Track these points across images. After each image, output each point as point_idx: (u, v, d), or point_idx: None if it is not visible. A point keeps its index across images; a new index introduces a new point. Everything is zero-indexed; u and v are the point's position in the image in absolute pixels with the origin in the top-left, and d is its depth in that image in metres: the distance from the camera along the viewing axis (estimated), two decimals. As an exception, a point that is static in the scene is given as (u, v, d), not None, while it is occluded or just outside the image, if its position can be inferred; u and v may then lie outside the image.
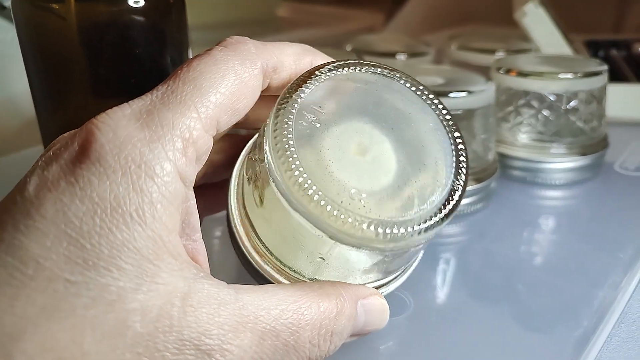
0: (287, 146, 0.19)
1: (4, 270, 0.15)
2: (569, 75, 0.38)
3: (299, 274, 0.22)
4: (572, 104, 0.39)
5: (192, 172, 0.18)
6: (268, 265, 0.22)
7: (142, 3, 0.26)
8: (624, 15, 0.86)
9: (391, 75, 0.22)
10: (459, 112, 0.35)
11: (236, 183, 0.23)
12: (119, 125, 0.17)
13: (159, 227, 0.16)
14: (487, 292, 0.29)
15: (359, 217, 0.18)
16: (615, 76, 0.50)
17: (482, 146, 0.36)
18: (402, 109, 0.22)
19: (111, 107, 0.21)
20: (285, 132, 0.19)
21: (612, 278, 0.29)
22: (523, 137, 0.40)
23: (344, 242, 0.19)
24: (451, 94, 0.34)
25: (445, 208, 0.20)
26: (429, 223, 0.19)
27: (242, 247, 0.22)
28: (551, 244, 0.33)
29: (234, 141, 0.26)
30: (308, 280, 0.22)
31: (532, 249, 0.33)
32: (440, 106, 0.22)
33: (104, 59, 0.27)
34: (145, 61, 0.28)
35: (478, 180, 0.36)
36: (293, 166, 0.18)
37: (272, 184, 0.19)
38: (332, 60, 0.22)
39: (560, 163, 0.39)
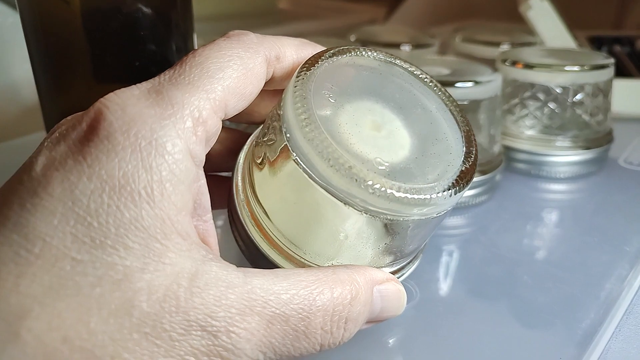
0: (311, 116, 0.19)
1: (10, 248, 0.15)
2: (576, 68, 0.38)
3: (316, 257, 0.21)
4: (578, 97, 0.38)
5: (202, 152, 0.18)
6: (279, 252, 0.21)
7: (147, -13, 0.26)
8: (625, 12, 0.86)
9: (392, 61, 0.23)
10: (465, 103, 0.34)
11: (242, 171, 0.23)
12: (127, 103, 0.17)
13: (168, 206, 0.16)
14: (492, 283, 0.29)
15: (387, 183, 0.18)
16: (619, 72, 0.50)
17: (488, 138, 0.36)
18: (406, 90, 0.22)
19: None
20: (306, 104, 0.19)
21: (618, 271, 0.29)
22: (528, 129, 0.40)
23: (372, 210, 0.19)
24: (457, 84, 0.34)
25: (463, 174, 0.20)
26: (451, 188, 0.20)
27: (249, 234, 0.22)
28: (556, 237, 0.33)
29: (233, 134, 0.26)
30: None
31: (536, 241, 0.33)
32: (441, 88, 0.23)
33: (107, 44, 0.27)
34: (149, 47, 0.28)
35: (483, 173, 0.35)
36: (319, 136, 0.18)
37: (295, 158, 0.19)
38: (334, 46, 0.22)
39: (565, 156, 0.39)
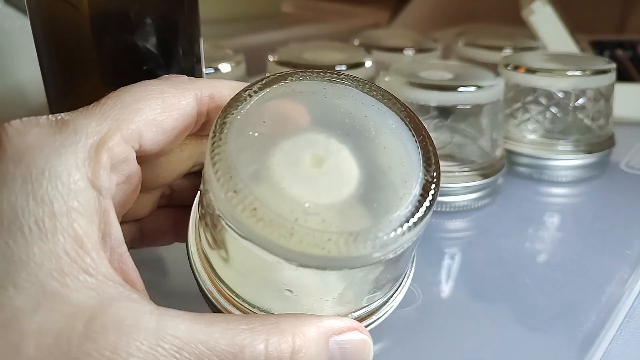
0: (227, 166, 0.17)
1: None
2: (578, 73, 0.38)
3: (269, 311, 0.20)
4: (580, 101, 0.39)
5: (106, 180, 0.17)
6: (234, 307, 0.20)
7: (155, -8, 0.26)
8: (628, 16, 0.86)
9: (341, 81, 0.21)
10: (468, 107, 0.35)
11: (194, 221, 0.21)
12: (29, 131, 0.16)
13: (65, 241, 0.15)
14: (494, 286, 0.29)
15: (317, 233, 0.16)
16: (621, 76, 0.50)
17: (490, 142, 0.37)
18: (356, 113, 0.20)
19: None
20: (224, 153, 0.17)
21: (619, 274, 0.29)
22: (530, 133, 0.40)
23: (306, 264, 0.17)
24: (460, 89, 0.34)
25: (417, 206, 0.18)
26: (400, 227, 0.17)
27: (205, 290, 0.20)
28: (557, 241, 0.34)
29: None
30: None
31: (538, 245, 0.33)
32: (397, 102, 0.21)
33: (115, 48, 0.27)
34: (156, 52, 0.28)
35: (485, 176, 0.36)
36: (236, 187, 0.17)
37: (217, 213, 0.17)
38: (266, 76, 0.21)
39: (567, 160, 0.39)
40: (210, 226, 0.19)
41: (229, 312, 0.20)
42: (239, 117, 0.18)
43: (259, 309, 0.19)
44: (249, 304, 0.19)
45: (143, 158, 0.19)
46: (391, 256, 0.18)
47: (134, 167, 0.19)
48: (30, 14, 0.27)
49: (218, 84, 0.21)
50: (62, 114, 0.17)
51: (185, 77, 0.21)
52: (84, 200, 0.16)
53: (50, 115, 0.17)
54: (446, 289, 0.29)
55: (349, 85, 0.21)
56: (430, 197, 0.18)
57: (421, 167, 0.19)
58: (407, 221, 0.17)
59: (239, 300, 0.20)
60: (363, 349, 0.19)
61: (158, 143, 0.19)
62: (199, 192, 0.22)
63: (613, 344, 0.25)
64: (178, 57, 0.29)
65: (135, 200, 0.20)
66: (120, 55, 0.27)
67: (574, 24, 0.53)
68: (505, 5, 0.73)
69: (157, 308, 0.16)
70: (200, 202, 0.20)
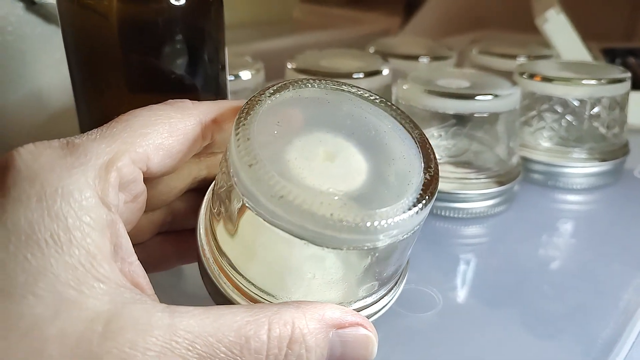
0: (255, 156, 0.18)
1: None
2: (593, 82, 0.39)
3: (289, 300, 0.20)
4: (595, 110, 0.39)
5: (114, 197, 0.18)
6: (248, 299, 0.21)
7: (182, 2, 0.27)
8: (636, 23, 0.86)
9: (339, 87, 0.23)
10: (485, 115, 0.35)
11: (204, 223, 0.22)
12: (42, 153, 0.17)
13: (79, 253, 0.16)
14: (510, 293, 0.29)
15: (343, 212, 0.17)
16: (633, 84, 0.50)
17: (507, 150, 0.37)
18: (357, 115, 0.22)
19: (148, 102, 0.22)
20: (249, 145, 0.18)
21: (636, 281, 0.30)
22: (545, 141, 0.40)
23: (332, 244, 0.18)
24: (477, 97, 0.35)
25: (425, 188, 0.19)
26: (415, 205, 0.19)
27: (220, 289, 0.21)
28: (573, 247, 0.34)
29: (196, 193, 0.26)
30: None
31: (554, 251, 0.33)
32: (392, 106, 0.23)
33: (142, 56, 0.28)
34: (182, 59, 0.28)
35: (501, 183, 0.36)
36: (266, 175, 0.18)
37: (246, 201, 0.18)
38: (274, 82, 0.22)
39: (582, 168, 0.40)
40: (226, 216, 0.20)
41: (227, 291, 0.21)
42: (256, 117, 0.20)
43: (274, 297, 0.20)
44: (272, 295, 0.20)
45: (148, 179, 0.20)
46: (402, 237, 0.19)
47: (141, 187, 0.20)
48: (61, 23, 0.28)
49: (220, 106, 0.22)
50: (73, 137, 0.18)
51: (189, 101, 0.22)
52: (95, 215, 0.17)
53: (62, 139, 0.18)
54: (464, 294, 0.29)
55: (348, 92, 0.23)
56: (434, 183, 0.20)
57: (421, 159, 0.20)
58: (418, 203, 0.19)
59: (255, 292, 0.21)
60: (365, 344, 0.19)
61: (165, 166, 0.20)
62: (206, 197, 0.23)
63: (633, 351, 0.25)
64: (204, 64, 0.30)
65: (136, 224, 0.22)
66: (147, 63, 0.28)
67: (582, 31, 0.53)
68: (514, 11, 0.74)
69: (168, 307, 0.17)
70: (216, 200, 0.21)
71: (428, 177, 0.20)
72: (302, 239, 0.18)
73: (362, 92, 0.23)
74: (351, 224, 0.17)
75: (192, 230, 0.25)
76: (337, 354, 0.19)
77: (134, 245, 0.20)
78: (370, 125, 0.22)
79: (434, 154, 0.21)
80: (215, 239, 0.21)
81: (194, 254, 0.25)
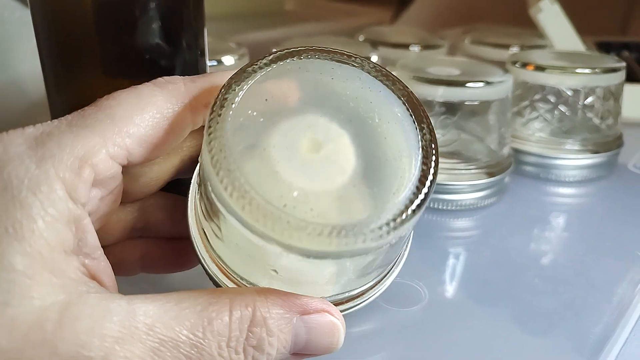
0: (222, 145, 0.17)
1: None
2: (588, 71, 0.38)
3: (256, 286, 0.20)
4: (589, 100, 0.38)
5: (85, 193, 0.17)
6: (228, 278, 0.20)
7: (159, -18, 0.26)
8: (631, 17, 0.86)
9: (349, 62, 0.20)
10: (476, 104, 0.34)
11: (193, 194, 0.22)
12: (13, 142, 0.17)
13: (39, 243, 0.16)
14: (501, 287, 0.28)
15: (302, 223, 0.16)
16: (628, 77, 0.49)
17: (497, 140, 0.36)
18: (362, 98, 0.19)
19: (123, 87, 0.20)
20: (221, 131, 0.17)
21: (630, 275, 0.29)
22: (538, 132, 0.39)
23: (290, 250, 0.17)
24: (468, 84, 0.34)
25: (407, 206, 0.17)
26: (386, 225, 0.17)
27: (202, 261, 0.21)
28: (565, 241, 0.33)
29: (174, 201, 0.25)
30: None
31: (545, 245, 0.32)
32: (406, 93, 0.20)
33: (117, 39, 0.26)
34: (160, 43, 0.27)
35: (491, 175, 0.35)
36: (228, 167, 0.17)
37: (210, 190, 0.17)
38: (276, 50, 0.20)
39: (574, 160, 0.39)
40: (204, 198, 0.19)
41: (220, 281, 0.20)
42: (240, 93, 0.18)
43: (247, 281, 0.20)
44: (239, 276, 0.20)
45: (126, 167, 0.19)
46: (375, 251, 0.17)
47: (118, 181, 0.19)
48: (30, 3, 0.27)
49: (214, 81, 0.20)
50: (49, 125, 0.18)
51: (180, 81, 0.20)
52: (60, 209, 0.16)
53: (38, 125, 0.18)
54: (452, 289, 0.28)
55: (358, 68, 0.20)
56: (422, 196, 0.17)
57: (419, 162, 0.18)
58: (395, 220, 0.17)
59: (230, 272, 0.20)
60: (331, 331, 0.19)
61: (147, 157, 0.19)
62: (197, 168, 0.22)
63: (626, 346, 0.24)
64: (182, 49, 0.28)
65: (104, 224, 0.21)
66: (122, 46, 0.27)
67: (577, 24, 0.52)
68: (508, 5, 0.73)
69: (123, 296, 0.16)
70: (199, 172, 0.20)
71: (420, 185, 0.17)
72: (262, 238, 0.17)
73: (376, 68, 0.20)
74: (309, 236, 0.16)
75: (164, 239, 0.24)
76: (302, 341, 0.18)
77: (102, 246, 0.19)
78: (373, 112, 0.19)
79: (436, 155, 0.18)
80: (197, 215, 0.21)
81: (161, 263, 0.24)
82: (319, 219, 0.16)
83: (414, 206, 0.17)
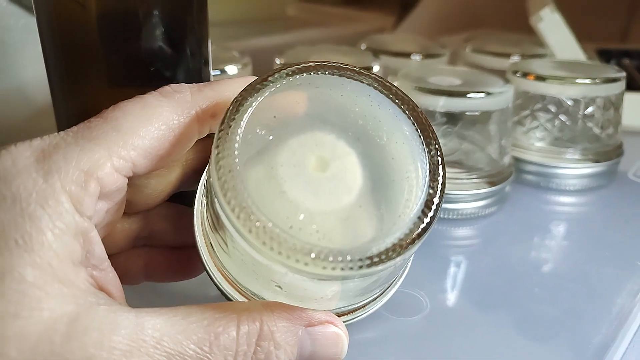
0: (229, 165, 0.17)
1: None
2: (588, 81, 0.38)
3: (260, 298, 0.20)
4: (590, 109, 0.38)
5: (91, 206, 0.17)
6: (233, 288, 0.20)
7: (164, -8, 0.26)
8: (633, 24, 0.86)
9: (360, 79, 0.20)
10: (476, 114, 0.34)
11: (199, 202, 0.22)
12: (21, 155, 0.17)
13: (48, 255, 0.16)
14: (501, 296, 0.28)
15: (307, 246, 0.16)
16: (628, 85, 0.50)
17: (498, 150, 0.36)
18: (371, 115, 0.19)
19: (128, 96, 0.20)
20: (228, 152, 0.17)
21: (629, 285, 0.29)
22: (538, 141, 0.40)
23: (295, 272, 0.17)
24: (469, 95, 0.34)
25: (412, 230, 0.17)
26: (391, 249, 0.17)
27: (208, 269, 0.21)
28: (565, 250, 0.33)
29: (178, 210, 0.25)
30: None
31: (546, 254, 0.32)
32: (415, 111, 0.19)
33: (122, 48, 0.27)
34: (164, 52, 0.28)
35: (492, 184, 0.35)
36: (234, 187, 0.17)
37: (218, 207, 0.18)
38: (288, 64, 0.20)
39: (575, 169, 0.39)
40: (211, 210, 0.19)
41: (226, 290, 0.20)
42: (249, 110, 0.18)
43: (252, 292, 0.20)
44: (245, 287, 0.20)
45: (132, 179, 0.20)
46: (379, 273, 0.17)
47: (123, 192, 0.19)
48: (37, 12, 0.27)
49: (221, 95, 0.20)
50: (55, 137, 0.18)
51: (187, 90, 0.20)
52: (68, 221, 0.17)
53: (45, 137, 0.18)
54: (454, 298, 0.28)
55: (369, 85, 0.20)
56: (428, 220, 0.17)
57: (426, 184, 0.18)
58: (399, 244, 0.17)
59: (235, 282, 0.20)
60: (335, 341, 0.19)
61: (152, 168, 0.19)
62: (203, 176, 0.22)
63: (626, 356, 0.24)
64: (186, 58, 0.29)
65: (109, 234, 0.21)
66: (127, 55, 0.27)
67: (578, 32, 0.52)
68: (510, 11, 0.73)
69: (132, 309, 0.17)
70: (206, 184, 0.20)
71: (426, 208, 0.17)
72: (265, 258, 0.17)
73: (386, 86, 0.20)
74: (313, 261, 0.16)
75: (168, 248, 0.25)
76: (307, 352, 0.19)
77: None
78: (382, 131, 0.19)
79: (444, 176, 0.18)
80: (203, 224, 0.21)
81: (164, 272, 0.24)
82: (324, 241, 0.17)
83: (419, 230, 0.17)
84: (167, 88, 0.20)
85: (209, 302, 0.18)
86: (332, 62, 0.20)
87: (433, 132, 0.19)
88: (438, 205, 0.18)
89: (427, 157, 0.19)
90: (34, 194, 0.16)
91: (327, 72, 0.19)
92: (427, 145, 0.19)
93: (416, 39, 0.56)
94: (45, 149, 0.17)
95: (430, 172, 0.18)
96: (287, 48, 0.43)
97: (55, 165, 0.17)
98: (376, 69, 0.40)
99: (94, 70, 0.27)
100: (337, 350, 0.19)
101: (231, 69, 0.39)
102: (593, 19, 0.80)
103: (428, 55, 0.49)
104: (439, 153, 0.19)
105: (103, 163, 0.18)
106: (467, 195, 0.35)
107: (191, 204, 0.22)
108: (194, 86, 0.21)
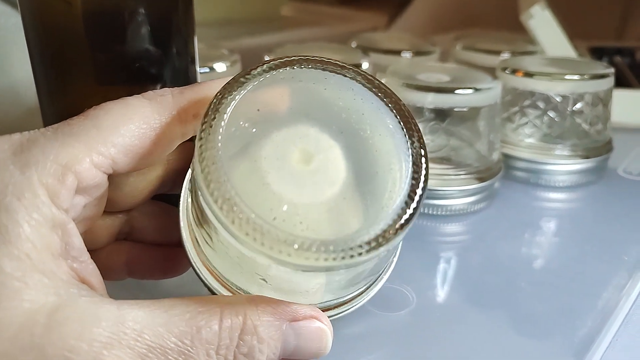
0: (212, 157, 0.17)
1: None
2: (576, 77, 0.38)
3: (246, 292, 0.20)
4: (578, 105, 0.38)
5: (68, 199, 0.18)
6: (219, 283, 0.20)
7: (149, -10, 0.26)
8: (627, 22, 0.86)
9: (343, 73, 0.20)
10: (465, 110, 0.34)
11: (185, 197, 0.22)
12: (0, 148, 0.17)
13: (26, 246, 0.16)
14: (490, 291, 0.28)
15: (290, 237, 0.16)
16: (619, 82, 0.50)
17: (487, 146, 0.36)
18: (354, 109, 0.19)
19: (114, 95, 0.21)
20: (211, 143, 0.17)
21: (616, 280, 0.29)
22: (527, 138, 0.40)
23: (279, 263, 0.17)
24: (457, 91, 0.34)
25: (395, 221, 0.17)
26: (375, 240, 0.17)
27: (194, 265, 0.21)
28: (554, 246, 0.33)
29: (163, 208, 0.25)
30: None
31: (535, 250, 0.33)
32: (398, 104, 0.20)
33: (108, 46, 0.27)
34: (150, 50, 0.28)
35: (481, 180, 0.35)
36: (218, 179, 0.17)
37: (201, 200, 0.18)
38: (270, 59, 0.20)
39: (564, 165, 0.39)
40: (196, 205, 0.19)
41: (212, 285, 0.20)
42: (233, 103, 0.18)
43: (238, 287, 0.20)
44: (230, 282, 0.20)
45: (113, 177, 0.20)
46: (364, 264, 0.18)
47: (103, 189, 0.19)
48: (21, 10, 0.27)
49: (203, 96, 0.20)
50: (36, 132, 0.18)
51: (169, 96, 0.20)
52: (45, 213, 0.17)
53: (25, 132, 0.18)
54: (441, 293, 0.28)
55: (352, 79, 0.20)
56: (411, 211, 0.18)
57: (409, 176, 0.18)
58: (383, 234, 0.17)
59: (221, 277, 0.20)
60: (320, 337, 0.19)
61: (134, 167, 0.20)
62: (189, 172, 0.22)
63: (610, 350, 0.24)
64: (172, 56, 0.29)
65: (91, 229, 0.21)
66: (113, 53, 0.27)
67: (573, 30, 0.53)
68: (503, 10, 0.73)
69: (114, 301, 0.17)
70: (191, 178, 0.20)
71: (409, 199, 0.18)
72: (248, 249, 0.17)
73: (369, 79, 0.20)
74: (297, 251, 0.16)
75: (151, 245, 0.24)
76: (291, 347, 0.19)
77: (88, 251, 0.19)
78: (365, 124, 0.19)
79: (426, 168, 0.19)
80: (188, 217, 0.21)
81: (147, 268, 0.24)
82: (308, 232, 0.17)
83: (402, 220, 0.17)
84: (150, 92, 0.21)
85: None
86: (315, 57, 0.20)
87: (416, 124, 0.19)
88: (421, 196, 0.18)
89: (410, 150, 0.19)
90: (10, 186, 0.16)
91: (310, 66, 0.20)
92: (410, 138, 0.19)
93: (407, 37, 0.56)
94: (24, 143, 0.18)
95: (413, 164, 0.18)
96: (276, 47, 0.44)
97: (33, 159, 0.17)
98: (365, 66, 0.40)
99: (80, 68, 0.27)
100: (321, 345, 0.19)
101: (220, 67, 0.39)
102: (588, 17, 0.81)
103: (418, 53, 0.49)
104: (421, 145, 0.19)
105: (82, 158, 0.18)
106: (455, 191, 0.35)
107: (177, 204, 0.22)
108: (175, 90, 0.21)
